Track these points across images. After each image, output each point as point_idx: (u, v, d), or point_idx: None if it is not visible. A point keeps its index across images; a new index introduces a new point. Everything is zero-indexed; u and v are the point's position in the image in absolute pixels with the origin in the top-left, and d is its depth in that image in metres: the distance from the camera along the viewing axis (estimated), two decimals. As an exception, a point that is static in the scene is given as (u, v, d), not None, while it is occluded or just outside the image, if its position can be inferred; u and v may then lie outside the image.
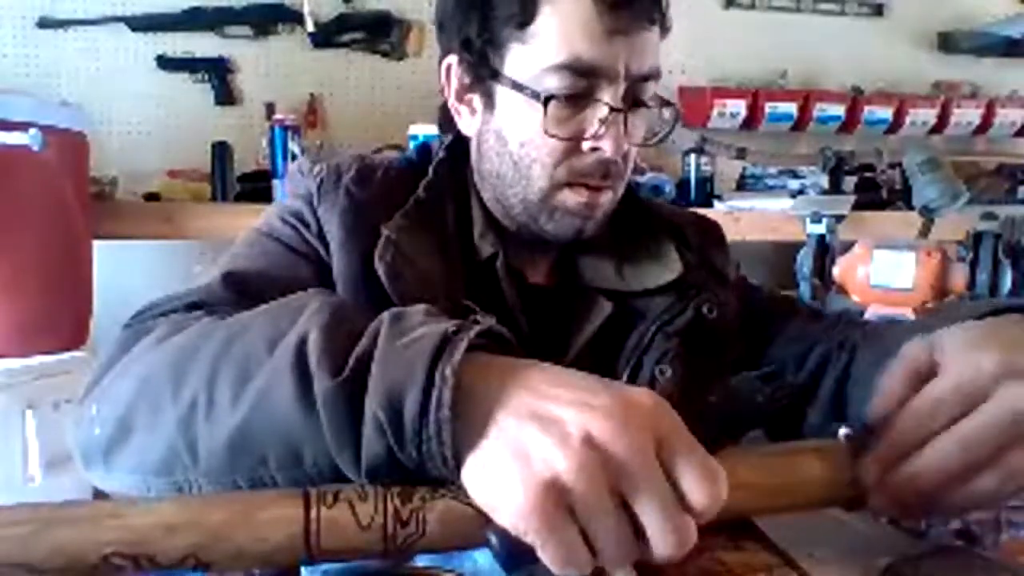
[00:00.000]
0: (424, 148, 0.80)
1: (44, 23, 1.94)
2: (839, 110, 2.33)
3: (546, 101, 0.65)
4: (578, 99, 0.66)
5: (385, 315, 0.45)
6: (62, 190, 1.54)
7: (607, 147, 0.66)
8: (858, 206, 2.08)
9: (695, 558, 0.41)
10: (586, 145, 0.67)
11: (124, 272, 1.88)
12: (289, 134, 1.87)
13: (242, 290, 0.62)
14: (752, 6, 2.39)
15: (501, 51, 0.68)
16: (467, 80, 0.72)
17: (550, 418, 0.37)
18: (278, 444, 0.42)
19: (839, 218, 1.97)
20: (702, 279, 0.76)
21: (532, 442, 0.37)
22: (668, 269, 0.74)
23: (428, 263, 0.68)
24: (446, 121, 0.77)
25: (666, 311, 0.72)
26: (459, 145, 0.76)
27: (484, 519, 0.38)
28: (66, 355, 1.48)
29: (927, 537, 0.53)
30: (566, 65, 0.64)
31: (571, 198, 0.69)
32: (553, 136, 0.66)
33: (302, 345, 0.42)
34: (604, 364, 0.70)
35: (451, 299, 0.66)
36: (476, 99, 0.72)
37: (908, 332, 0.59)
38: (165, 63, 2.02)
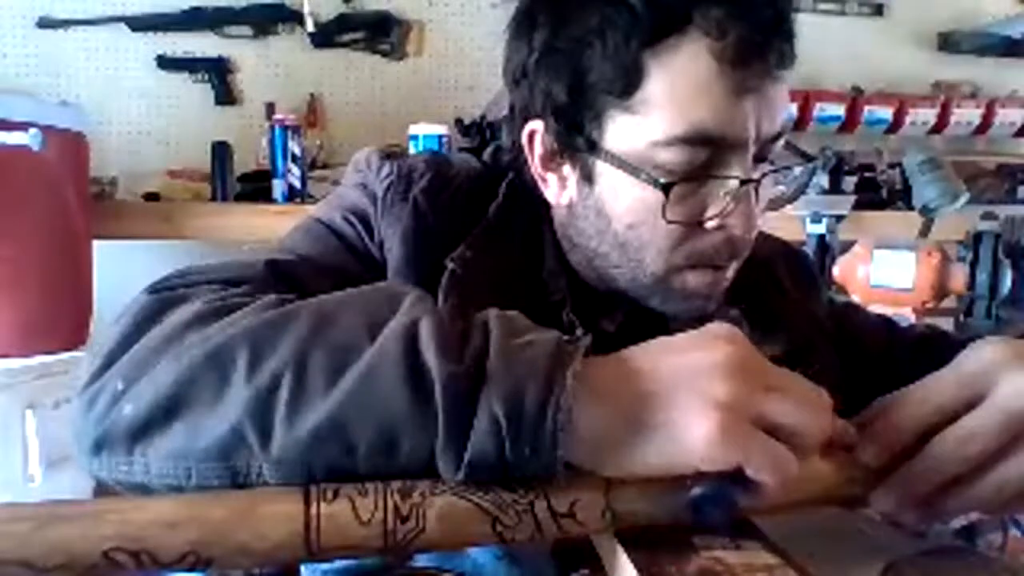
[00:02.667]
0: (496, 153, 0.71)
1: (44, 23, 1.94)
2: (839, 110, 2.33)
3: (666, 188, 0.55)
4: (700, 173, 0.56)
5: (490, 313, 0.44)
6: (62, 190, 1.54)
7: (737, 226, 0.56)
8: (858, 206, 2.08)
9: (695, 558, 0.41)
10: (710, 224, 0.57)
11: (124, 272, 1.87)
12: (289, 134, 1.87)
13: (291, 277, 0.56)
14: (752, 6, 2.39)
15: (600, 120, 0.57)
16: (556, 147, 0.61)
17: (680, 381, 0.40)
18: (373, 433, 0.40)
19: (839, 218, 1.97)
20: (804, 340, 0.67)
21: (682, 396, 0.39)
22: (770, 343, 0.63)
23: (491, 301, 0.59)
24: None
25: None
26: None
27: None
28: (66, 355, 1.48)
29: (927, 537, 0.53)
30: (685, 139, 0.54)
31: (692, 280, 0.59)
32: (673, 222, 0.56)
33: (413, 332, 0.41)
34: None
35: None
36: (567, 168, 0.62)
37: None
38: (165, 63, 2.02)
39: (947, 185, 1.87)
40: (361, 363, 0.40)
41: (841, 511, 0.48)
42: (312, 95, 2.10)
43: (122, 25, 1.98)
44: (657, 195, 0.55)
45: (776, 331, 0.66)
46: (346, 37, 2.12)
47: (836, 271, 1.78)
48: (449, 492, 0.39)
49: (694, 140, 0.54)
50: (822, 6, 2.44)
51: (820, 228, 1.95)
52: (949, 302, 1.64)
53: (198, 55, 2.03)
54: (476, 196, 0.65)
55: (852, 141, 2.38)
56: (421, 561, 0.55)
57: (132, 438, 0.44)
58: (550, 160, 0.62)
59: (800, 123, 2.32)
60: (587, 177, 0.60)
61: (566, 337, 0.41)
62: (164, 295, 0.50)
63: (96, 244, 1.68)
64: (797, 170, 0.62)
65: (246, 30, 2.06)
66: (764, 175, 0.57)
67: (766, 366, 0.42)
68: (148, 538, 0.36)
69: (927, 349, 0.72)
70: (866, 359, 0.73)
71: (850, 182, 2.21)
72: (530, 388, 0.38)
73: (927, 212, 1.87)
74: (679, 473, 0.40)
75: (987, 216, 1.54)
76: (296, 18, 2.06)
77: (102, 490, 0.50)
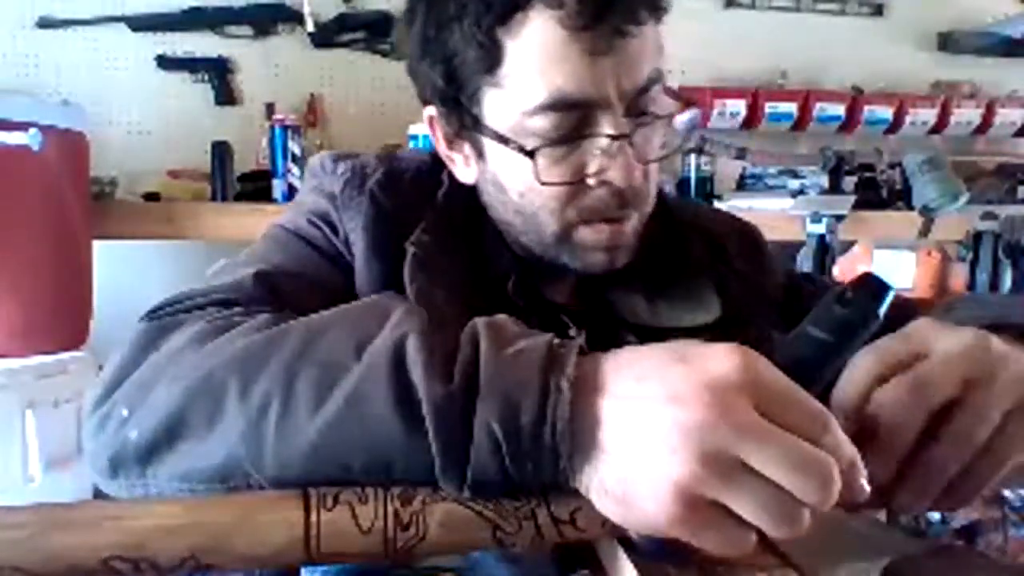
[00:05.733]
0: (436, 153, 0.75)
1: (44, 23, 1.94)
2: (839, 110, 2.33)
3: (531, 154, 0.59)
4: (571, 135, 0.59)
5: (478, 322, 0.43)
6: (62, 190, 1.54)
7: (618, 178, 0.59)
8: (858, 206, 2.07)
9: (695, 558, 0.41)
10: (591, 181, 0.60)
11: (124, 272, 1.88)
12: (289, 134, 1.87)
13: (275, 290, 0.58)
14: (752, 6, 2.39)
15: (476, 99, 0.61)
16: (451, 130, 0.66)
17: (651, 439, 0.36)
18: (364, 453, 0.40)
19: (839, 218, 1.97)
20: (748, 311, 0.70)
21: (648, 460, 0.36)
22: (705, 311, 0.68)
23: (450, 280, 0.64)
24: None
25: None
26: None
27: (482, 522, 0.38)
28: (66, 355, 1.48)
29: (927, 537, 0.53)
30: (549, 105, 0.57)
31: (590, 236, 0.62)
32: (551, 184, 0.60)
33: (399, 350, 0.41)
34: None
35: (470, 315, 0.63)
36: (466, 147, 0.66)
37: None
38: (165, 63, 2.02)
39: (947, 185, 1.87)
40: (346, 383, 0.41)
41: (841, 511, 0.48)
42: (312, 95, 2.09)
43: (122, 25, 1.98)
44: (526, 159, 0.59)
45: (710, 300, 0.69)
46: (346, 37, 2.12)
47: (836, 271, 1.78)
48: (450, 499, 0.39)
49: (557, 106, 0.57)
50: (822, 6, 2.44)
51: (820, 228, 1.95)
52: (949, 302, 1.64)
53: (198, 55, 2.03)
54: (426, 184, 0.69)
55: (852, 141, 2.38)
56: (421, 561, 0.55)
57: (142, 461, 0.45)
58: (451, 142, 0.67)
59: (800, 123, 2.33)
60: (480, 153, 0.65)
61: (557, 340, 0.40)
62: (163, 321, 0.51)
63: (96, 244, 1.68)
64: (687, 115, 0.64)
65: (246, 30, 2.06)
66: (636, 125, 0.59)
67: (765, 398, 0.36)
68: (147, 545, 0.36)
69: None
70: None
71: (850, 182, 2.21)
72: (525, 403, 0.37)
73: (927, 212, 1.87)
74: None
75: (987, 216, 1.54)
76: (296, 18, 2.06)
77: (101, 490, 0.50)
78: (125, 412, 0.46)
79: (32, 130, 1.44)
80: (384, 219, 0.65)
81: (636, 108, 0.60)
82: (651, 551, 0.38)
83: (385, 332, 0.43)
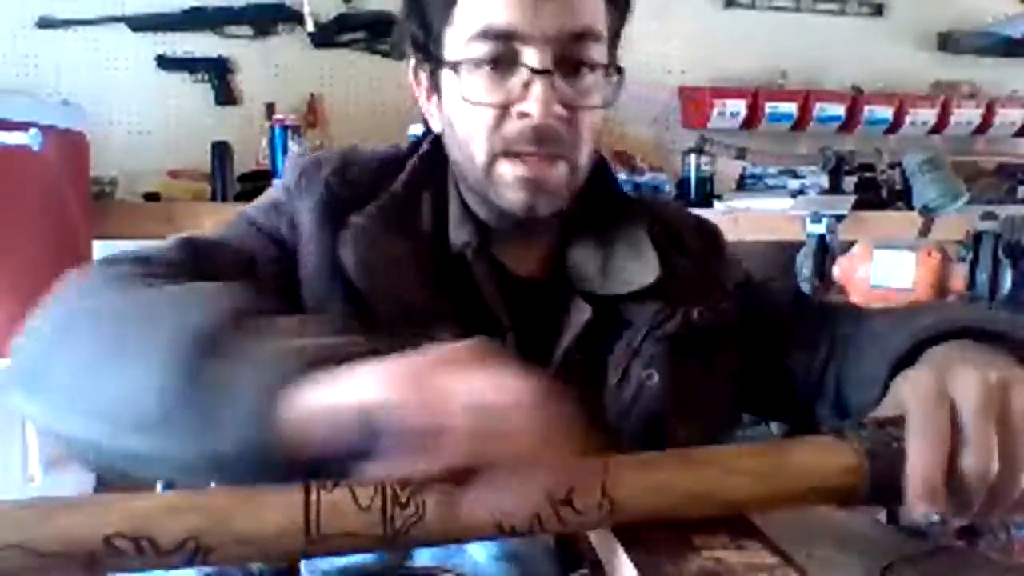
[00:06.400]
0: (415, 142, 0.78)
1: (44, 23, 1.94)
2: (839, 110, 2.33)
3: (455, 67, 0.65)
4: (501, 66, 0.64)
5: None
6: (62, 190, 1.54)
7: (533, 110, 0.64)
8: (858, 206, 2.08)
9: (695, 558, 0.41)
10: (513, 111, 0.65)
11: (124, 272, 1.88)
12: (289, 134, 1.87)
13: (196, 256, 0.64)
14: (752, 6, 2.39)
15: (439, 38, 0.68)
16: (426, 78, 0.72)
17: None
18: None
19: (839, 218, 1.97)
20: (693, 285, 0.74)
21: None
22: (647, 269, 0.72)
23: (398, 255, 0.68)
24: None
25: (655, 316, 0.70)
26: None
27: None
28: (66, 355, 1.48)
29: (927, 537, 0.53)
30: (481, 34, 0.64)
31: (510, 170, 0.66)
32: (474, 103, 0.65)
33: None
34: (593, 366, 0.69)
35: (423, 292, 0.67)
36: (435, 96, 0.72)
37: (888, 327, 0.62)
38: (165, 63, 2.01)
39: (947, 185, 1.87)
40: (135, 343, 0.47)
41: (840, 511, 0.48)
42: (312, 95, 2.09)
43: (122, 25, 1.98)
44: (463, 82, 0.65)
45: (650, 256, 0.73)
46: (346, 37, 2.11)
47: (836, 271, 1.78)
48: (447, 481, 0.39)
49: (487, 34, 0.64)
50: (822, 6, 2.44)
51: (820, 228, 1.96)
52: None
53: (198, 55, 2.03)
54: (384, 174, 0.73)
55: (852, 141, 2.38)
56: (421, 561, 0.55)
57: (16, 385, 0.52)
58: (429, 94, 0.73)
59: (800, 123, 2.33)
60: (438, 90, 0.70)
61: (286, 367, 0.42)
62: (82, 267, 0.60)
63: (96, 244, 1.68)
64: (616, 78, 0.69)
65: (246, 30, 2.05)
66: (567, 71, 0.65)
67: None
68: (149, 524, 0.36)
69: (826, 314, 0.77)
70: (768, 324, 0.77)
71: (850, 182, 2.21)
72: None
73: (927, 212, 1.88)
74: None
75: (987, 216, 1.54)
76: (296, 18, 2.06)
77: (103, 489, 0.51)
78: (21, 341, 0.54)
79: (32, 130, 1.44)
80: (333, 199, 0.70)
81: (568, 54, 0.65)
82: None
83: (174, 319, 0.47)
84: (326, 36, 2.09)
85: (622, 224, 0.75)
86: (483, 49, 0.64)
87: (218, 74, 2.03)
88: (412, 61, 0.73)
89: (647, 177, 2.12)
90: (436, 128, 0.74)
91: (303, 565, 0.63)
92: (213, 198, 1.90)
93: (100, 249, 1.68)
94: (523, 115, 0.64)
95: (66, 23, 1.95)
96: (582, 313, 0.69)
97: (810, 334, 0.75)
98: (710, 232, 0.83)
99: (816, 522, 0.50)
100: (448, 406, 0.37)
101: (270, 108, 2.03)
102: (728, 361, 0.74)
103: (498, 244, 0.72)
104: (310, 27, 2.05)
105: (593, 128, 0.68)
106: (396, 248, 0.68)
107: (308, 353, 0.42)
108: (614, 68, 0.69)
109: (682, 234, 0.79)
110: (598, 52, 0.66)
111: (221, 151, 1.91)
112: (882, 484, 0.44)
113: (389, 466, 0.38)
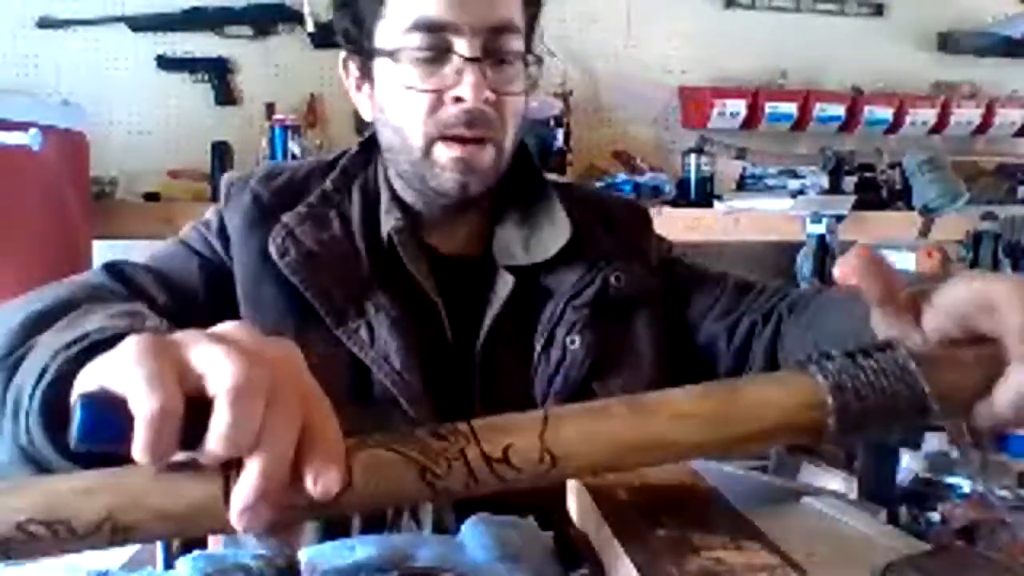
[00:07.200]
0: (343, 151, 0.84)
1: (44, 23, 1.94)
2: (839, 110, 2.33)
3: (392, 55, 0.71)
4: (435, 56, 0.70)
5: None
6: (62, 190, 1.55)
7: (465, 94, 0.69)
8: (858, 206, 2.08)
9: (695, 558, 0.41)
10: (448, 97, 0.70)
11: (124, 272, 1.88)
12: (289, 134, 1.88)
13: (122, 278, 0.69)
14: (752, 6, 2.39)
15: (370, 31, 0.73)
16: (356, 70, 0.78)
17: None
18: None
19: (839, 218, 1.97)
20: (612, 253, 0.79)
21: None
22: (561, 234, 0.76)
23: (328, 246, 0.73)
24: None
25: (576, 284, 0.76)
26: (375, 140, 0.80)
27: (409, 464, 0.37)
28: (66, 355, 1.48)
29: (927, 537, 0.53)
30: (415, 25, 0.69)
31: (445, 153, 0.71)
32: (412, 89, 0.70)
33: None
34: (521, 336, 0.75)
35: (355, 280, 0.71)
36: (367, 85, 0.77)
37: (831, 304, 0.64)
38: (165, 63, 2.02)
39: (947, 185, 1.87)
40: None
41: (841, 511, 0.48)
42: (312, 95, 2.09)
43: (122, 25, 1.98)
44: (400, 70, 0.71)
45: (562, 220, 0.77)
46: (346, 37, 2.12)
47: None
48: (374, 445, 0.38)
49: (420, 26, 0.69)
50: (822, 6, 2.44)
51: (820, 228, 1.96)
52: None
53: (198, 55, 2.03)
54: (311, 180, 0.79)
55: (852, 141, 2.38)
56: (421, 561, 0.55)
57: None
58: (360, 84, 0.78)
59: (800, 123, 2.33)
60: (370, 79, 0.75)
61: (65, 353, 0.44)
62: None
63: (96, 244, 1.68)
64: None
65: (246, 30, 2.06)
66: (495, 60, 0.70)
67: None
68: (63, 507, 0.35)
69: (766, 289, 0.81)
70: (693, 295, 0.82)
71: (850, 182, 2.21)
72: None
73: (927, 212, 1.88)
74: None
75: (987, 216, 1.54)
76: (296, 18, 2.06)
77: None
78: None
79: (32, 130, 1.44)
80: (260, 204, 0.75)
81: (493, 46, 0.70)
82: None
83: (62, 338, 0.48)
84: (326, 36, 2.08)
85: (543, 201, 0.80)
86: (418, 40, 0.70)
87: (218, 74, 2.03)
88: (342, 53, 0.79)
89: (647, 177, 2.12)
90: (367, 117, 0.79)
91: (303, 565, 0.63)
92: (213, 198, 1.89)
93: (100, 249, 1.69)
94: (457, 100, 0.70)
95: (66, 23, 1.95)
96: (506, 284, 0.75)
97: (736, 307, 0.79)
98: (639, 210, 0.89)
99: (816, 522, 0.50)
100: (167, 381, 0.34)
101: (270, 108, 2.03)
102: (651, 330, 0.78)
103: (427, 227, 0.78)
104: (310, 27, 2.05)
105: (517, 114, 0.74)
106: (325, 239, 0.73)
107: (80, 343, 0.44)
108: (533, 57, 0.75)
109: (611, 210, 0.84)
110: (517, 43, 0.72)
111: (221, 151, 1.91)
112: (850, 421, 0.41)
113: (135, 450, 0.34)
